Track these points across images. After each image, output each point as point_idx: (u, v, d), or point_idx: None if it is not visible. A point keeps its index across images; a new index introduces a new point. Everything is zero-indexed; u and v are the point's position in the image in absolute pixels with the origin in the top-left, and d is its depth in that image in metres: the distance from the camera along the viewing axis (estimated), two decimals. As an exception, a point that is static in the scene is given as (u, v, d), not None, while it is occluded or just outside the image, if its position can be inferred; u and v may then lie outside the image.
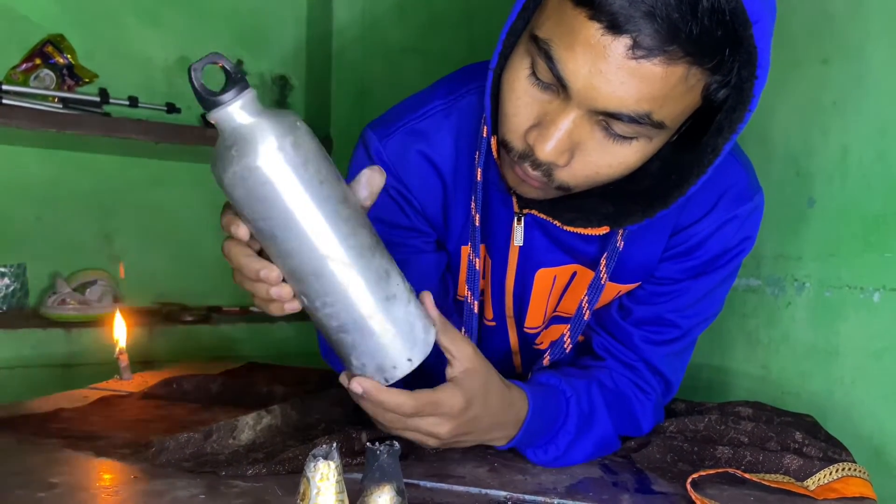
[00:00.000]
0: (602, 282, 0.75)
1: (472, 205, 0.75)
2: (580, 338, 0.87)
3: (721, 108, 0.62)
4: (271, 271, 0.54)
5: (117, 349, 1.10)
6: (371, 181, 0.57)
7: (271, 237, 0.51)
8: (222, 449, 0.73)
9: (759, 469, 0.71)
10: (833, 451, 0.75)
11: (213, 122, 0.50)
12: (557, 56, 0.57)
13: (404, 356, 0.57)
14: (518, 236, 0.76)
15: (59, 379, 1.45)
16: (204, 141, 1.62)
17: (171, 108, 1.70)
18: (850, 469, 0.70)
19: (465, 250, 0.81)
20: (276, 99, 1.93)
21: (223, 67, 0.49)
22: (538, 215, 0.73)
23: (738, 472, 0.69)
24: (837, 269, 0.95)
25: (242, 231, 0.53)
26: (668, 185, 0.66)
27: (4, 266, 1.62)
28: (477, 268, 0.76)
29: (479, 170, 0.73)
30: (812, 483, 0.69)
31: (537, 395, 0.71)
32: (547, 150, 0.60)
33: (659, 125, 0.59)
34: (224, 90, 0.49)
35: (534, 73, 0.61)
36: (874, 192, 0.91)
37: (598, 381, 0.78)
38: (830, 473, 0.69)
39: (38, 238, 1.67)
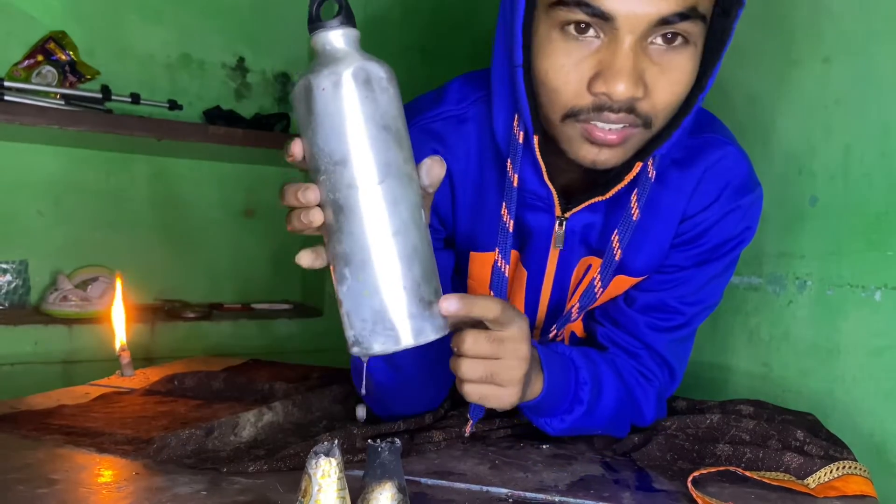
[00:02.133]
0: (616, 256, 0.75)
1: (504, 212, 0.73)
2: (582, 334, 0.87)
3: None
4: (309, 190, 0.53)
5: (119, 346, 1.10)
6: (431, 170, 0.55)
7: (318, 158, 0.53)
8: (224, 446, 0.73)
9: (759, 467, 0.71)
10: (834, 449, 0.75)
11: (312, 43, 0.53)
12: None
13: (409, 322, 0.53)
14: (560, 240, 0.77)
15: (61, 375, 1.46)
16: (206, 138, 1.62)
17: (174, 105, 1.70)
18: (850, 467, 0.70)
19: (478, 256, 0.81)
20: (278, 96, 1.94)
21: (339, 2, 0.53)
22: (578, 208, 0.74)
23: (739, 470, 0.69)
24: (839, 267, 0.95)
25: (298, 149, 0.54)
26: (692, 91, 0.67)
27: (6, 262, 1.63)
28: (505, 274, 0.75)
29: (516, 175, 0.72)
30: (812, 481, 0.69)
31: (549, 356, 0.71)
32: (621, 89, 0.61)
33: (703, 18, 0.62)
34: (328, 16, 0.53)
35: (567, 34, 0.62)
36: (876, 190, 0.91)
37: (605, 361, 0.79)
38: (831, 472, 0.69)
39: (40, 234, 1.67)
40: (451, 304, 0.54)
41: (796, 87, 1.03)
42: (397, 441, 0.50)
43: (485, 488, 0.66)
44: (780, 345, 1.04)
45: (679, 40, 0.62)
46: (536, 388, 0.69)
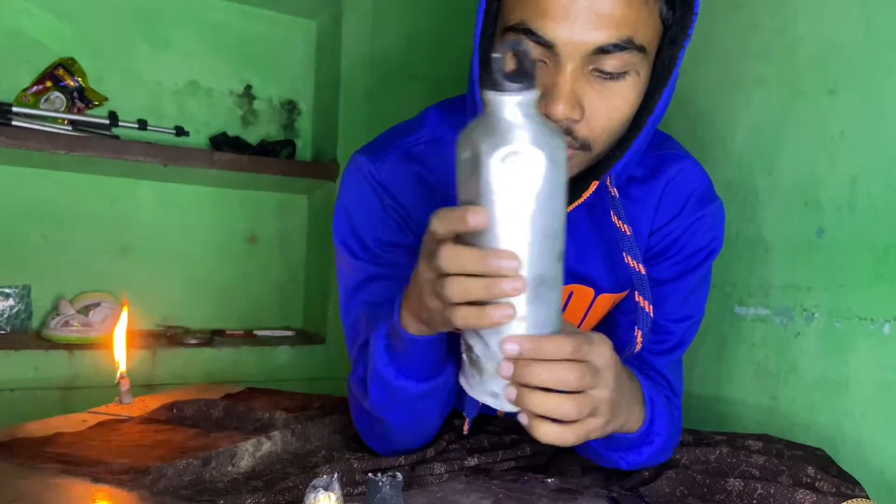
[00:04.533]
0: (628, 233, 0.74)
1: None
2: None
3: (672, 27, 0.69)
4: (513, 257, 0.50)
5: (118, 373, 1.09)
6: None
7: (525, 229, 0.51)
8: (221, 476, 0.72)
9: (769, 504, 0.70)
10: (846, 486, 0.73)
11: (486, 100, 0.51)
12: (536, 25, 0.63)
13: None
14: None
15: (60, 401, 1.45)
16: (211, 164, 1.63)
17: (180, 132, 1.71)
18: (862, 505, 0.68)
19: None
20: (285, 124, 1.95)
21: (519, 57, 0.51)
22: None
23: (748, 508, 0.68)
24: (847, 299, 0.94)
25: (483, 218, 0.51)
26: (639, 116, 0.70)
27: (9, 287, 1.62)
28: None
29: None
30: (824, 519, 0.67)
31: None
32: (560, 109, 0.64)
33: (641, 49, 0.65)
34: (513, 79, 0.50)
35: None
36: (883, 222, 0.90)
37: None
38: (843, 509, 0.68)
39: (43, 259, 1.67)
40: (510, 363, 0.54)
41: (802, 119, 1.03)
42: (398, 475, 0.49)
43: (487, 523, 0.65)
44: (788, 378, 1.02)
45: (618, 70, 0.65)
46: (634, 417, 0.68)
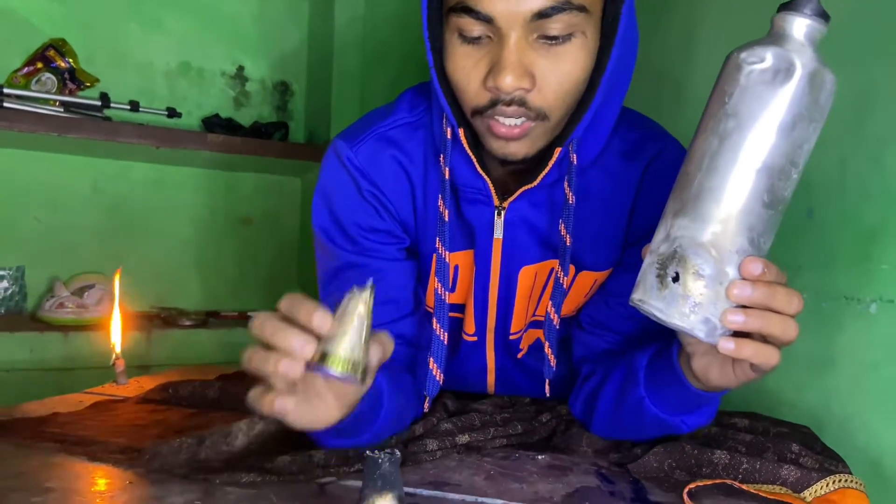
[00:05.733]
0: (566, 242, 0.75)
1: (440, 203, 0.76)
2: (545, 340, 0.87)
3: None
4: (325, 318, 0.51)
5: (114, 355, 1.10)
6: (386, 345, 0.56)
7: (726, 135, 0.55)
8: (217, 455, 0.73)
9: (756, 479, 0.71)
10: (829, 462, 0.75)
11: (781, 20, 0.56)
12: (472, 2, 0.64)
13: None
14: (498, 230, 0.79)
15: (56, 383, 1.45)
16: (204, 146, 1.63)
17: (172, 113, 1.71)
18: (847, 481, 0.70)
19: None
20: (277, 105, 1.94)
21: None
22: (513, 197, 0.76)
23: (736, 483, 0.69)
24: (834, 279, 0.95)
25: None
26: (594, 79, 0.70)
27: (3, 269, 1.63)
28: (446, 260, 0.77)
29: (447, 168, 0.76)
30: (809, 494, 0.69)
31: None
32: (508, 80, 0.65)
33: (582, 8, 0.65)
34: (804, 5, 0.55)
35: (464, 38, 0.67)
36: (872, 203, 0.91)
37: None
38: (828, 485, 0.69)
39: (37, 241, 1.67)
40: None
41: (792, 100, 1.03)
42: (397, 452, 0.50)
43: (480, 499, 0.66)
44: (776, 357, 1.04)
45: (563, 33, 0.65)
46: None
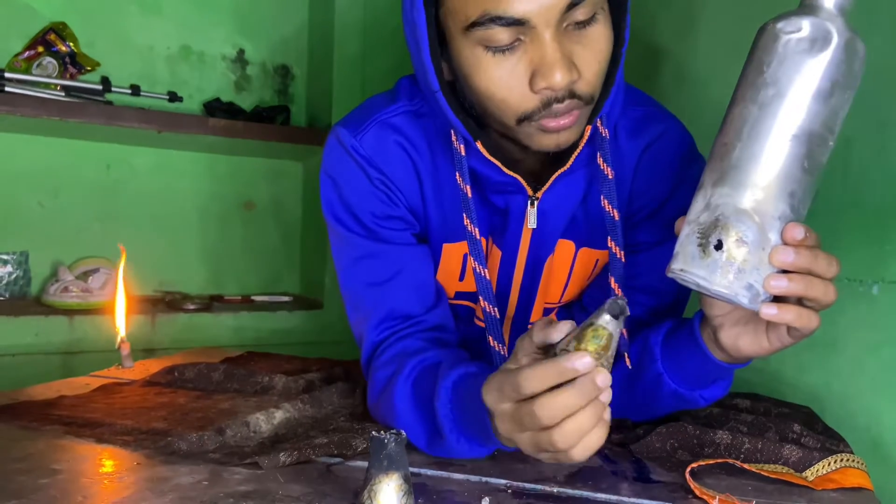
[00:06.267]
0: (615, 217, 0.75)
1: (459, 180, 0.75)
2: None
3: None
4: None
5: (119, 338, 1.10)
6: None
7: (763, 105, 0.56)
8: (246, 441, 0.73)
9: (758, 459, 0.72)
10: (831, 442, 0.75)
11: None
12: (501, 10, 0.62)
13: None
14: (532, 219, 0.78)
15: (61, 366, 1.46)
16: (205, 130, 1.62)
17: (173, 97, 1.70)
18: (848, 460, 0.70)
19: (450, 247, 0.83)
20: (278, 89, 1.93)
21: None
22: (547, 185, 0.76)
23: (737, 463, 0.69)
24: (837, 261, 0.95)
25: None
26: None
27: (7, 254, 1.63)
28: (477, 238, 0.76)
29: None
30: (811, 474, 0.69)
31: None
32: (558, 77, 0.64)
33: None
34: None
35: (492, 50, 0.65)
36: (874, 185, 0.91)
37: None
38: (829, 464, 0.70)
39: (40, 226, 1.67)
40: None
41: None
42: (402, 432, 0.51)
43: (484, 479, 0.67)
44: (779, 338, 1.04)
45: (589, 15, 0.65)
46: None
